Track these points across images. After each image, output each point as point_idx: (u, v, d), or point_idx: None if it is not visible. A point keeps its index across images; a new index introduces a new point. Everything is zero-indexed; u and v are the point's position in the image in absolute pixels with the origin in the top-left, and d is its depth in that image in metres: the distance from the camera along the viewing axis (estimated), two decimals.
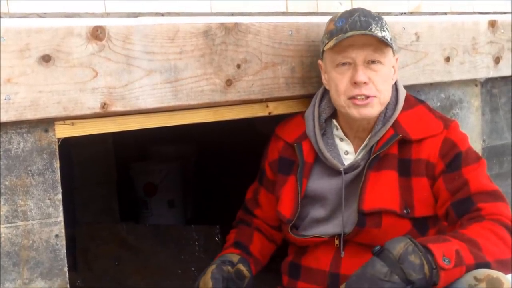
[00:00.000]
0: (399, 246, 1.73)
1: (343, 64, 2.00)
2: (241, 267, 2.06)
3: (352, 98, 1.98)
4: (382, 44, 1.98)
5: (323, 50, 2.05)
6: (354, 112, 2.00)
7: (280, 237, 2.27)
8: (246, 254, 2.17)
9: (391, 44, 2.01)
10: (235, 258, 2.11)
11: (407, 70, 2.44)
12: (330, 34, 2.01)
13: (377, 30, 1.97)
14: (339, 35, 1.97)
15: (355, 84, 1.97)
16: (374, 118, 2.04)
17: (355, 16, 1.99)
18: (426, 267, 1.71)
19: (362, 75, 1.96)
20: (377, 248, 1.76)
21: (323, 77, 2.11)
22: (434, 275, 1.72)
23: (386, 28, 2.02)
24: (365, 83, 1.97)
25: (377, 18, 2.02)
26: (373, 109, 2.00)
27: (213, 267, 2.06)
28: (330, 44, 1.98)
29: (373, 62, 1.98)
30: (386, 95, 2.02)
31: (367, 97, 1.98)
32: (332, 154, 2.08)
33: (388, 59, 2.02)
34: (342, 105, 2.02)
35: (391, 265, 1.71)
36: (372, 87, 1.98)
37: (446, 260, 1.73)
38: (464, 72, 2.67)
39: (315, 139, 2.09)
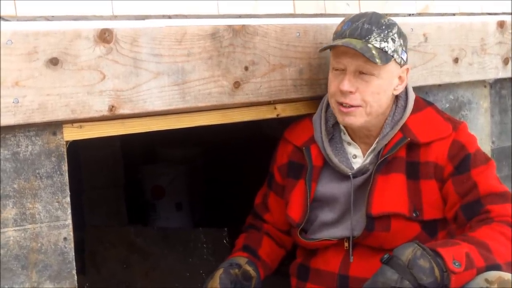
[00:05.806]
0: (408, 252, 1.73)
1: (337, 69, 1.99)
2: (247, 267, 2.06)
3: (339, 104, 1.98)
4: (376, 56, 1.91)
5: None
6: (340, 117, 2.01)
7: (290, 242, 2.26)
8: (254, 258, 2.16)
9: (390, 56, 1.95)
10: (242, 261, 2.11)
11: (415, 72, 2.43)
12: (334, 36, 2.01)
13: (376, 40, 1.93)
14: (337, 40, 1.97)
15: (341, 91, 1.96)
16: (379, 125, 2.02)
17: (359, 22, 1.95)
18: (436, 270, 1.70)
19: (347, 84, 1.94)
20: (386, 256, 1.75)
21: None
22: (445, 278, 1.71)
23: (392, 39, 1.95)
24: (350, 92, 1.95)
25: (384, 27, 1.95)
26: (356, 119, 1.98)
27: (220, 271, 2.05)
28: (328, 46, 1.99)
29: (364, 73, 1.95)
30: (374, 106, 1.98)
31: (351, 106, 1.96)
32: (340, 159, 2.07)
33: (385, 70, 1.96)
34: (333, 106, 2.02)
35: (401, 271, 1.70)
36: (358, 97, 1.95)
37: (456, 264, 1.72)
38: (473, 73, 2.66)
39: (322, 145, 2.09)
